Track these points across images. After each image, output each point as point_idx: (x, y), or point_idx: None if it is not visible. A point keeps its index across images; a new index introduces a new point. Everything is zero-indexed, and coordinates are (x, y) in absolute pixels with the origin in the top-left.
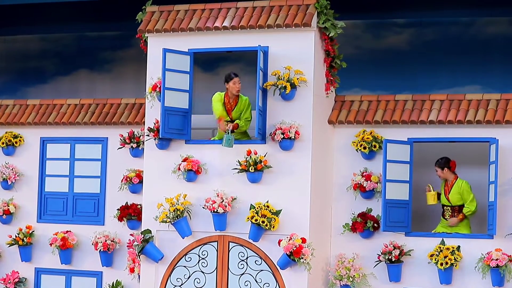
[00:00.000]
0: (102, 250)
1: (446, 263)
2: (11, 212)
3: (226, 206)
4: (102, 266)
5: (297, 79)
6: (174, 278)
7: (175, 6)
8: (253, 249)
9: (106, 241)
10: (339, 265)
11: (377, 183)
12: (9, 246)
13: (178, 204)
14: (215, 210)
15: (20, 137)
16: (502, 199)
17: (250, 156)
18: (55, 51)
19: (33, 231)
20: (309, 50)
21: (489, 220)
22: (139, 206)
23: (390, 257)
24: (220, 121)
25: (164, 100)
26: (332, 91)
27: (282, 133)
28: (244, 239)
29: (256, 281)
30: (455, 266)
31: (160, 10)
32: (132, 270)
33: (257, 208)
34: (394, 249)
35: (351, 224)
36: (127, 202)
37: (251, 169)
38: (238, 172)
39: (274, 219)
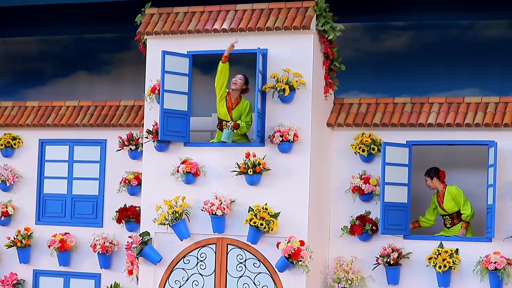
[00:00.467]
0: (100, 252)
1: (445, 266)
2: (10, 214)
3: (224, 209)
4: (101, 268)
5: (296, 81)
6: (173, 280)
7: (174, 9)
8: (251, 251)
9: (104, 243)
10: (337, 267)
11: (375, 186)
12: (8, 248)
13: (177, 207)
14: (214, 213)
15: (19, 138)
16: (501, 202)
17: (249, 159)
18: (54, 53)
19: (32, 233)
20: (308, 52)
21: (488, 223)
22: (137, 208)
23: (388, 260)
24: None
25: (163, 102)
26: (331, 93)
27: (281, 136)
28: (243, 241)
29: (255, 284)
30: (454, 269)
31: (159, 12)
32: (130, 272)
33: (256, 211)
34: (392, 252)
35: (349, 227)
36: (125, 204)
37: (250, 172)
38: (236, 175)
39: (273, 221)
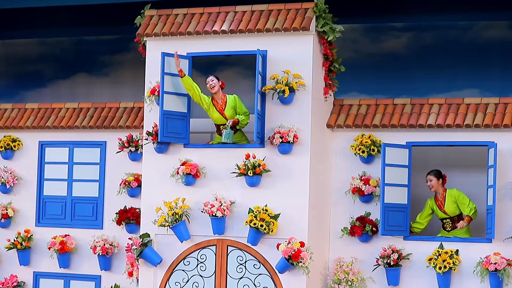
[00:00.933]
0: (100, 254)
1: (445, 267)
2: (10, 216)
3: (224, 210)
4: (101, 270)
5: (296, 83)
6: (173, 282)
7: (173, 10)
8: (251, 253)
9: (104, 245)
10: (337, 269)
11: (375, 187)
12: (8, 250)
13: (177, 208)
14: (214, 214)
15: (19, 141)
16: (501, 203)
17: (249, 160)
18: (53, 55)
19: (32, 235)
20: (307, 54)
21: (488, 224)
22: (137, 210)
23: (388, 261)
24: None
25: (162, 104)
26: (330, 95)
27: (281, 137)
28: (243, 243)
29: (255, 285)
30: (454, 270)
31: (159, 14)
32: (130, 274)
33: (256, 212)
34: (392, 253)
35: (349, 228)
36: (125, 206)
37: (250, 173)
38: (236, 176)
39: (273, 223)
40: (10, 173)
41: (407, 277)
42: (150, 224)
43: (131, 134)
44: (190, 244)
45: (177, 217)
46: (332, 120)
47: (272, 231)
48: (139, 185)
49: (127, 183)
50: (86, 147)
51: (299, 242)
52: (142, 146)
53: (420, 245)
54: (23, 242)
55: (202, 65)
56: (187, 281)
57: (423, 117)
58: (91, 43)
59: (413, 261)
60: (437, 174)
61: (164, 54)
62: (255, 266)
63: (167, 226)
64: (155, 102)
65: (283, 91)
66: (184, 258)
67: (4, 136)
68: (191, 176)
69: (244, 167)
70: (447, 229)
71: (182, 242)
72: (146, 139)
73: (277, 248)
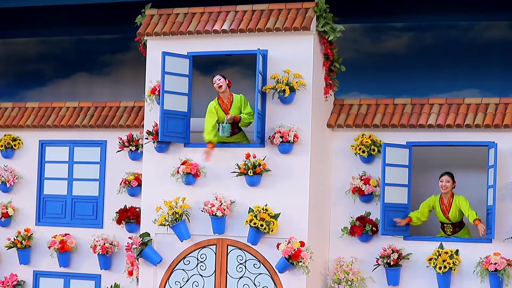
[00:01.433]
0: (100, 253)
1: (445, 267)
2: (10, 215)
3: (224, 210)
4: (101, 269)
5: (296, 82)
6: (173, 281)
7: (174, 10)
8: (251, 252)
9: (104, 244)
10: (337, 268)
11: (375, 186)
12: (8, 249)
13: (177, 207)
14: (214, 214)
15: (19, 140)
16: (501, 203)
17: (249, 160)
18: (54, 54)
19: (32, 234)
20: (308, 53)
21: (488, 224)
22: (137, 209)
23: (388, 261)
24: (209, 148)
25: (163, 103)
26: (331, 94)
27: (281, 137)
28: (243, 242)
29: (255, 285)
30: (454, 270)
31: (160, 13)
32: (130, 273)
33: (256, 212)
34: (392, 253)
35: (349, 228)
36: (125, 205)
37: (250, 173)
38: (237, 176)
39: (273, 222)
40: (10, 172)
41: (407, 277)
42: (150, 224)
43: (132, 134)
44: (190, 243)
45: (177, 216)
46: (332, 120)
47: (272, 230)
48: (139, 185)
49: (127, 182)
50: (86, 146)
51: (299, 242)
52: (142, 146)
53: (420, 245)
54: (23, 241)
55: (202, 65)
56: (187, 281)
57: (423, 117)
58: (91, 42)
59: (413, 261)
60: (452, 176)
61: (165, 54)
62: (255, 265)
63: (167, 225)
64: (155, 102)
65: (284, 91)
66: (184, 258)
67: (5, 135)
68: (191, 175)
69: (244, 167)
70: (447, 233)
71: (182, 241)
72: (147, 139)
73: (277, 247)
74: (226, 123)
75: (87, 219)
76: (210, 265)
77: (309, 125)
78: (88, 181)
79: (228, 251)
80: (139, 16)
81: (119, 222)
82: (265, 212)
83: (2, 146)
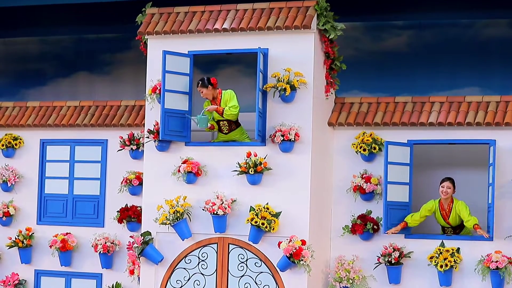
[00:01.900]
0: (102, 252)
1: (446, 265)
2: (11, 214)
3: (226, 208)
4: (102, 268)
5: (297, 81)
6: (174, 280)
7: (175, 8)
8: (253, 251)
9: (106, 243)
10: (338, 267)
11: (377, 185)
12: (9, 248)
13: (178, 206)
14: (215, 212)
15: (20, 139)
16: (502, 201)
17: (250, 158)
18: (54, 53)
19: (33, 233)
20: (309, 52)
21: (489, 222)
22: (138, 208)
23: (390, 259)
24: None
25: (164, 102)
26: (332, 93)
27: (282, 135)
28: (244, 241)
29: (256, 283)
30: (455, 268)
31: (160, 12)
32: (132, 272)
33: (257, 210)
34: (393, 251)
35: (351, 226)
36: (126, 204)
37: (251, 171)
38: (238, 174)
39: (274, 221)
40: (12, 171)
41: (408, 275)
42: (151, 222)
43: (132, 132)
44: (191, 242)
45: (178, 215)
46: (333, 118)
47: (273, 229)
48: (140, 183)
49: (128, 181)
50: (87, 145)
51: (300, 240)
52: (143, 144)
53: (421, 243)
54: (24, 240)
55: (203, 63)
56: (188, 279)
57: (424, 115)
58: (92, 41)
59: (414, 259)
60: (453, 182)
61: (166, 52)
62: (256, 264)
63: (169, 224)
64: (156, 100)
65: (284, 89)
66: (186, 256)
67: (6, 134)
68: (192, 174)
69: (245, 165)
70: (447, 235)
71: (183, 240)
72: (147, 137)
73: (279, 246)
74: (203, 114)
75: (88, 218)
76: (212, 263)
77: (310, 124)
78: (89, 180)
79: (229, 250)
80: (140, 15)
81: (120, 221)
82: (266, 211)
83: (3, 145)
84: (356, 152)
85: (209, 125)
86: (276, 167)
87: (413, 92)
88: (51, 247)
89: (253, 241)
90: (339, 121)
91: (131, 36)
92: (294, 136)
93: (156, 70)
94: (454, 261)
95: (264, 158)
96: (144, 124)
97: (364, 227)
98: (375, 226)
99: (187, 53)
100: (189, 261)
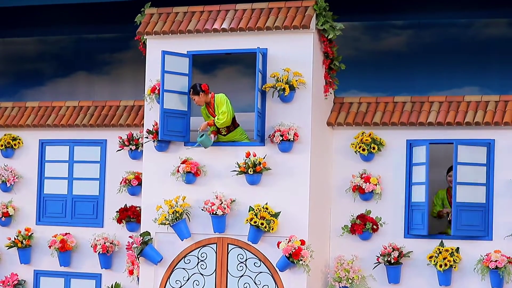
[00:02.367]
0: (101, 252)
1: (445, 264)
2: (10, 214)
3: (225, 208)
4: (101, 268)
5: (296, 81)
6: (173, 280)
7: (174, 8)
8: (252, 251)
9: (105, 243)
10: (338, 267)
11: (376, 185)
12: (8, 248)
13: (177, 206)
14: (214, 212)
15: (19, 139)
16: (501, 200)
17: (249, 158)
18: (53, 53)
19: (32, 233)
20: (308, 52)
21: (488, 221)
22: (138, 208)
23: (389, 259)
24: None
25: (163, 102)
26: (331, 93)
27: (281, 135)
28: (243, 241)
29: (255, 283)
30: (454, 267)
31: (159, 12)
32: (131, 272)
33: (256, 210)
34: (393, 251)
35: (350, 226)
36: (126, 204)
37: (250, 171)
38: (237, 174)
39: (273, 221)
40: (11, 171)
41: (407, 275)
42: (150, 223)
43: (132, 133)
44: (190, 242)
45: (178, 215)
46: (332, 118)
47: (272, 229)
48: (140, 184)
49: (127, 182)
50: (86, 146)
51: (300, 240)
52: (142, 145)
53: (420, 243)
54: (23, 241)
55: (202, 63)
56: (187, 280)
57: (423, 115)
58: (91, 41)
59: (414, 259)
60: None
61: (165, 53)
62: (255, 264)
63: (168, 224)
64: (155, 101)
65: (283, 89)
66: (185, 257)
67: (5, 135)
68: (192, 174)
69: (244, 165)
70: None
71: (182, 240)
72: (147, 138)
73: (278, 246)
74: (200, 136)
75: (87, 218)
76: (211, 264)
77: (309, 124)
78: (88, 180)
79: (229, 250)
80: (139, 15)
81: (119, 221)
82: (265, 211)
83: (2, 145)
84: (355, 152)
85: (212, 138)
86: (275, 167)
87: (412, 92)
88: (50, 247)
89: (252, 241)
90: (338, 121)
91: (130, 36)
92: (293, 136)
93: (155, 70)
94: (454, 260)
95: (263, 158)
96: (143, 124)
97: (363, 227)
98: (374, 226)
99: (186, 53)
100: (189, 261)
